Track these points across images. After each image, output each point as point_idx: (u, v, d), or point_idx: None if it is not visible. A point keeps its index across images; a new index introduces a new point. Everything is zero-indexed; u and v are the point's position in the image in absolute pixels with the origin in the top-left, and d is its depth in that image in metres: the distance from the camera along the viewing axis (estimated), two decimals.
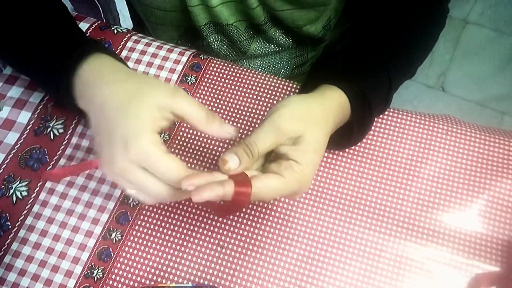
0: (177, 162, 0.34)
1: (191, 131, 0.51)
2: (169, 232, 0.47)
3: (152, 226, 0.47)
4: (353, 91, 0.41)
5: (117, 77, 0.38)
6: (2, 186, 0.49)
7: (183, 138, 0.51)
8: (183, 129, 0.52)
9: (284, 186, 0.35)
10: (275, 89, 0.53)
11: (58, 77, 0.40)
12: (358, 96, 0.42)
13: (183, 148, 0.51)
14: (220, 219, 0.47)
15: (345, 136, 0.45)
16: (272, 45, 0.65)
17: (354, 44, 0.49)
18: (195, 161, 0.50)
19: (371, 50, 0.46)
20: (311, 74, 0.51)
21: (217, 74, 0.54)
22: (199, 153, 0.50)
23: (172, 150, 0.51)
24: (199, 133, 0.51)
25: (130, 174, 0.34)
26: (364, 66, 0.45)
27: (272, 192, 0.35)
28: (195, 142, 0.51)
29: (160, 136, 0.37)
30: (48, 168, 0.50)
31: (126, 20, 0.69)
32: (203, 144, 0.51)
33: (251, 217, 0.47)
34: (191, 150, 0.50)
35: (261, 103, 0.52)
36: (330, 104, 0.40)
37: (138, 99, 0.35)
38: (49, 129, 0.51)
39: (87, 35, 0.56)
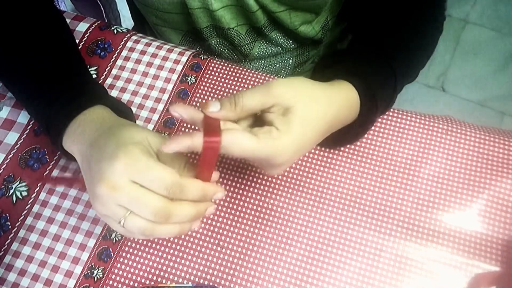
0: (168, 168, 0.34)
1: (191, 132, 0.51)
2: None
3: None
4: (363, 88, 0.41)
5: (113, 122, 0.40)
6: (2, 186, 0.49)
7: None
8: (183, 129, 0.52)
9: (255, 146, 0.34)
10: None
11: (57, 119, 0.42)
12: (367, 94, 0.41)
13: None
14: (220, 219, 0.47)
15: (343, 133, 0.44)
16: (274, 48, 0.65)
17: (358, 44, 0.49)
18: (195, 161, 0.50)
19: (377, 51, 0.46)
20: (316, 73, 0.51)
21: (217, 74, 0.54)
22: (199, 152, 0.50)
23: None
24: None
25: (120, 189, 0.33)
26: (372, 66, 0.45)
27: (241, 149, 0.34)
28: None
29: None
30: (48, 168, 0.50)
31: (126, 20, 0.69)
32: None
33: (251, 217, 0.47)
34: None
35: None
36: (335, 95, 0.39)
37: (133, 129, 0.36)
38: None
39: (87, 34, 0.56)
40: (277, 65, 0.68)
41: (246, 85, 0.53)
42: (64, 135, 0.41)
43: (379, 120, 0.50)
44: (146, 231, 0.34)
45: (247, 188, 0.48)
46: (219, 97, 0.53)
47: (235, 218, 0.47)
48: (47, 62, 0.45)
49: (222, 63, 0.55)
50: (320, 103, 0.37)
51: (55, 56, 0.46)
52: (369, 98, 0.42)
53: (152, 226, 0.34)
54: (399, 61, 0.46)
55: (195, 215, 0.36)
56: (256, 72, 0.54)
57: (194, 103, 0.53)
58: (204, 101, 0.53)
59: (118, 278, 0.46)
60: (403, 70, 0.47)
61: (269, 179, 0.48)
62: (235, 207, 0.48)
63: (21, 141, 0.51)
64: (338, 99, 0.39)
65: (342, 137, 0.45)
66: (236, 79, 0.54)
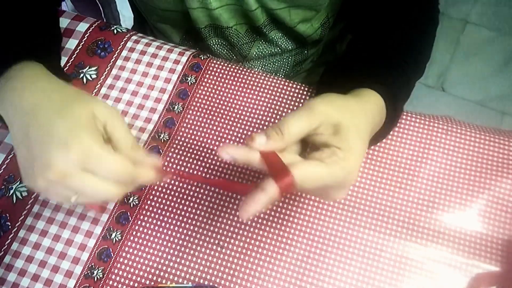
0: (121, 159, 0.33)
1: (191, 131, 0.51)
2: (169, 232, 0.47)
3: (152, 226, 0.47)
4: (387, 93, 0.41)
5: (52, 86, 0.36)
6: (2, 187, 0.49)
7: (182, 138, 0.51)
8: (182, 129, 0.52)
9: (328, 173, 0.32)
10: (275, 89, 0.53)
11: None
12: (391, 98, 0.41)
13: (182, 148, 0.51)
14: (220, 219, 0.47)
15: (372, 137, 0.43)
16: (272, 48, 0.65)
17: (363, 46, 0.49)
18: (195, 161, 0.50)
19: (387, 53, 0.46)
20: (324, 80, 0.51)
21: (216, 74, 0.54)
22: (198, 153, 0.50)
23: (172, 150, 0.51)
24: (199, 134, 0.51)
25: (71, 178, 0.31)
26: (388, 69, 0.45)
27: (315, 180, 0.32)
28: (194, 142, 0.51)
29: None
30: None
31: (126, 20, 0.69)
32: (203, 145, 0.51)
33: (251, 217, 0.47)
34: (190, 150, 0.50)
35: (261, 103, 0.52)
36: (368, 105, 0.39)
37: (77, 103, 0.34)
38: None
39: (87, 34, 0.56)
40: (276, 64, 0.68)
41: (246, 85, 0.53)
42: None
43: None
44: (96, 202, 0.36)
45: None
46: (220, 97, 0.53)
47: (235, 218, 0.47)
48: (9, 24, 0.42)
49: (222, 63, 0.55)
50: (360, 114, 0.37)
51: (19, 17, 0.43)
52: (393, 102, 0.42)
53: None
54: (408, 60, 0.46)
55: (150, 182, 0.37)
56: (256, 72, 0.54)
57: (194, 103, 0.53)
58: (204, 101, 0.53)
59: (118, 278, 0.46)
60: (413, 68, 0.47)
61: None
62: (235, 207, 0.48)
63: None
64: (371, 108, 0.39)
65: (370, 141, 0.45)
66: (236, 79, 0.54)
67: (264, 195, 0.31)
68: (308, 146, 0.37)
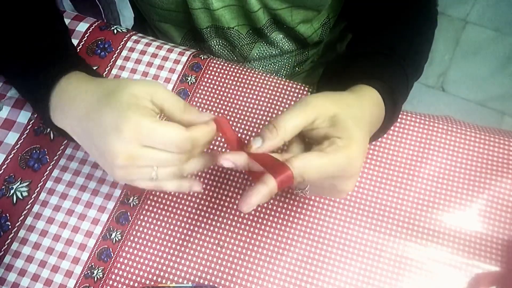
0: (173, 124, 0.33)
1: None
2: (169, 232, 0.47)
3: (152, 226, 0.47)
4: (385, 90, 0.41)
5: (95, 85, 0.38)
6: (3, 187, 0.49)
7: None
8: None
9: (329, 162, 0.32)
10: (275, 89, 0.53)
11: (37, 93, 0.41)
12: (390, 96, 0.41)
13: None
14: (220, 219, 0.47)
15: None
16: (273, 49, 0.65)
17: (362, 45, 0.49)
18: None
19: (386, 52, 0.46)
20: (324, 77, 0.51)
21: (217, 74, 0.54)
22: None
23: None
24: None
25: (137, 157, 0.33)
26: (386, 68, 0.45)
27: (316, 170, 0.32)
28: None
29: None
30: (49, 168, 0.50)
31: (126, 20, 0.69)
32: None
33: (251, 217, 0.47)
34: None
35: (261, 103, 0.52)
36: (364, 99, 0.39)
37: (117, 90, 0.35)
38: (49, 129, 0.51)
39: (87, 34, 0.56)
40: (277, 65, 0.68)
41: (246, 85, 0.53)
42: (51, 109, 0.40)
43: None
44: (178, 172, 0.36)
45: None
46: (220, 97, 0.53)
47: (235, 218, 0.47)
48: (28, 41, 0.44)
49: (222, 63, 0.55)
50: (357, 106, 0.36)
51: (34, 34, 0.44)
52: (391, 100, 0.41)
53: (182, 167, 0.36)
54: (407, 59, 0.46)
55: (211, 139, 0.37)
56: (256, 72, 0.54)
57: (194, 103, 0.53)
58: (204, 101, 0.53)
59: (118, 278, 0.46)
60: (412, 68, 0.47)
61: None
62: (235, 207, 0.48)
63: (21, 141, 0.51)
64: (368, 103, 0.39)
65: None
66: (236, 79, 0.54)
67: (264, 187, 0.32)
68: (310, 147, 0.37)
